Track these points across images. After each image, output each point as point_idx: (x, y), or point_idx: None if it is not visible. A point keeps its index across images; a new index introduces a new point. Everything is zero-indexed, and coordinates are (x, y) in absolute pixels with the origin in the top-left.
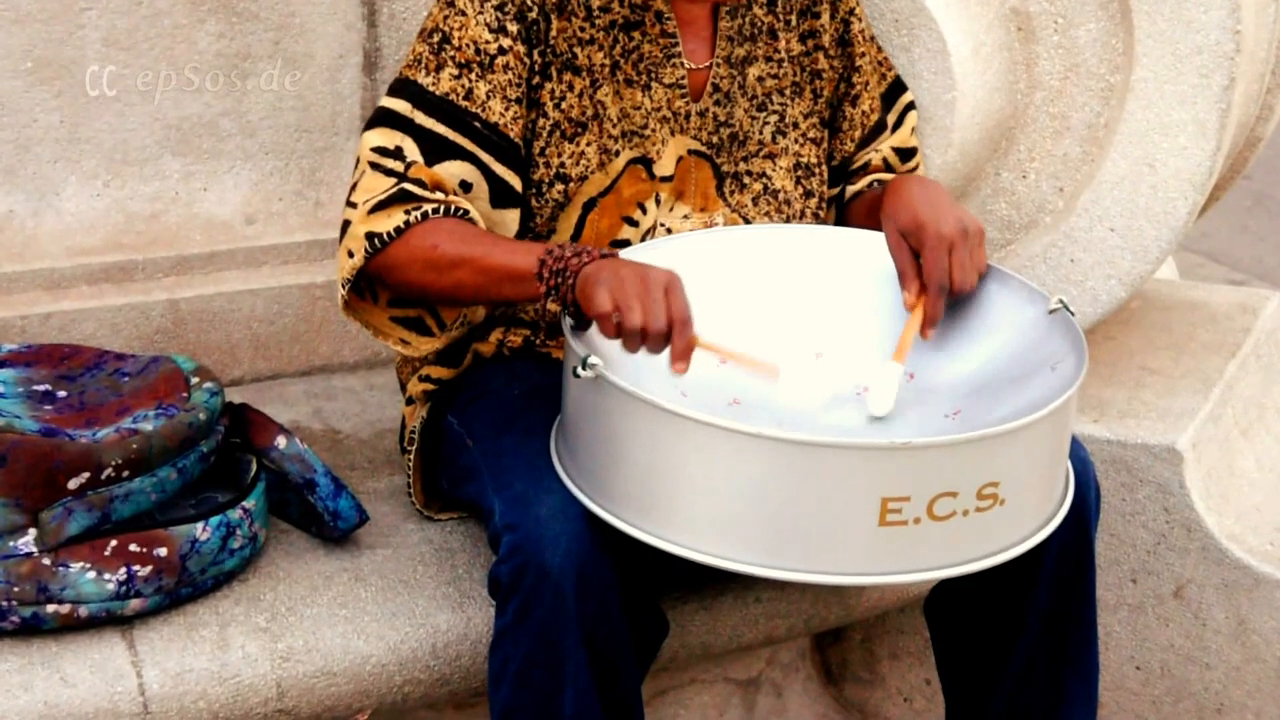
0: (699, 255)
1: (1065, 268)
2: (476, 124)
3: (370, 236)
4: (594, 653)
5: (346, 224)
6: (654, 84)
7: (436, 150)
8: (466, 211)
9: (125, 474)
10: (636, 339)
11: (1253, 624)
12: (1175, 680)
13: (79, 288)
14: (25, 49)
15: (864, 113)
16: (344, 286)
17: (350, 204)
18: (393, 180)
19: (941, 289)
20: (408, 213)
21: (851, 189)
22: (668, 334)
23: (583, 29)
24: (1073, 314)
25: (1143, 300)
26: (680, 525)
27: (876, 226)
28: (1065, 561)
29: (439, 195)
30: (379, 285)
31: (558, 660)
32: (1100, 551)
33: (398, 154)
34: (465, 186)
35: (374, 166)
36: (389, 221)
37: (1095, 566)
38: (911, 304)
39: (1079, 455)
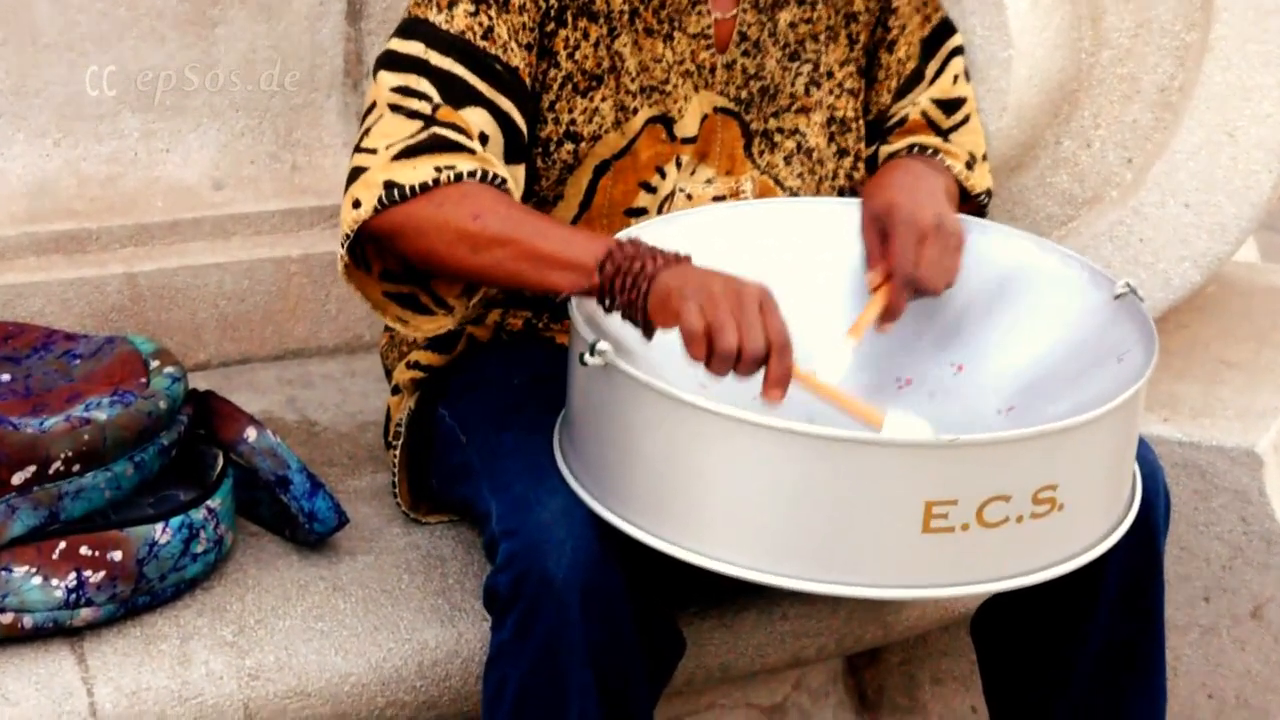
0: (720, 230)
1: (1134, 248)
2: (498, 66)
3: (390, 186)
4: (601, 673)
5: (359, 171)
6: (677, 34)
7: (455, 96)
8: (504, 181)
9: (76, 468)
10: (729, 362)
11: None
12: (1252, 711)
13: (26, 258)
14: None
15: (899, 60)
16: (344, 244)
17: (364, 149)
18: (419, 123)
19: (907, 281)
20: (439, 170)
21: (886, 149)
22: (764, 358)
23: None
24: (1141, 299)
25: (1220, 285)
26: (699, 531)
27: None
28: (1130, 577)
29: (476, 147)
30: (373, 251)
31: (561, 680)
32: (1169, 566)
33: (421, 95)
34: (482, 139)
35: (394, 109)
36: (415, 174)
37: (1164, 583)
38: (876, 285)
39: (1147, 458)
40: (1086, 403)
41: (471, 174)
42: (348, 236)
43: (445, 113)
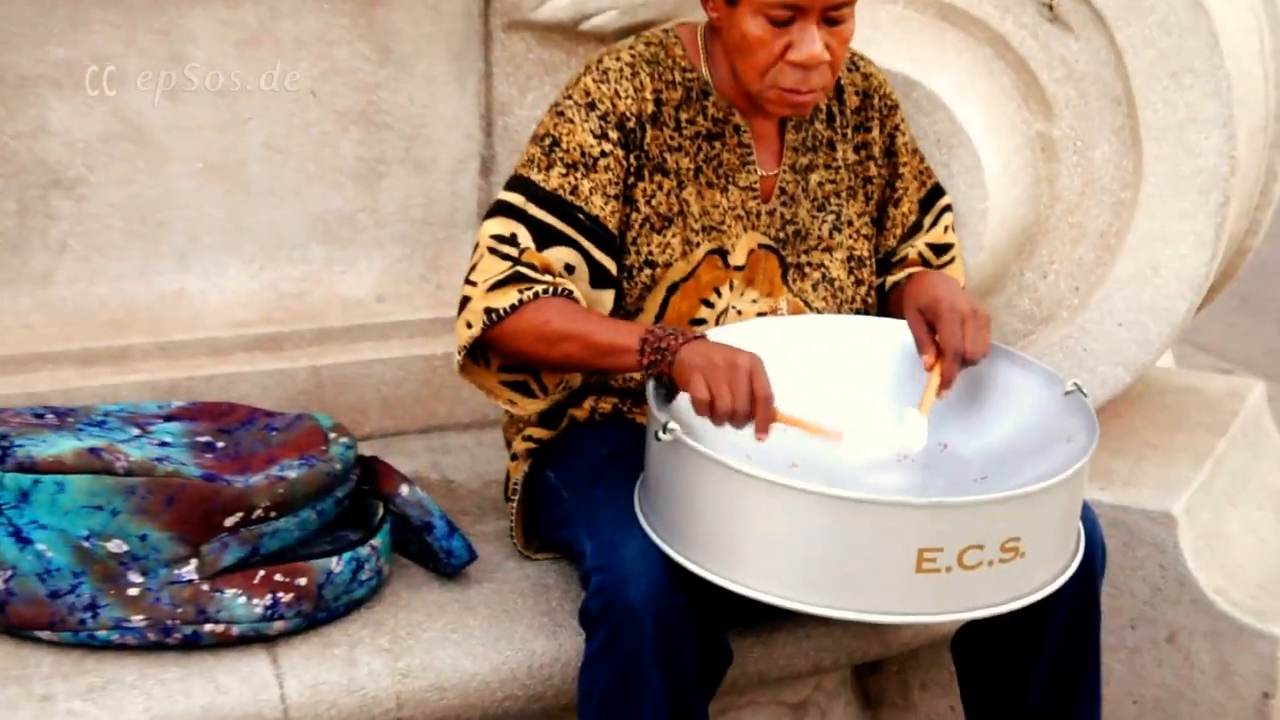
0: (762, 339)
1: (1079, 356)
2: (580, 216)
3: (488, 311)
4: (669, 677)
5: (466, 300)
6: (731, 186)
7: (546, 238)
8: (571, 291)
9: (272, 514)
10: (725, 419)
11: (1235, 667)
12: (1167, 715)
13: (236, 354)
14: (198, 153)
15: (904, 214)
16: (460, 353)
17: (470, 282)
18: (508, 264)
19: (957, 354)
20: (521, 292)
21: (891, 279)
22: (751, 412)
23: (672, 138)
24: (1085, 395)
25: (1145, 385)
26: (744, 569)
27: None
28: (1075, 608)
29: (548, 277)
30: (492, 352)
31: (638, 683)
32: (1104, 601)
33: (512, 240)
34: (569, 269)
35: (491, 251)
36: (504, 299)
37: (1100, 613)
38: (930, 365)
39: (1088, 517)
40: (1043, 474)
41: (545, 291)
42: (463, 349)
43: (529, 255)
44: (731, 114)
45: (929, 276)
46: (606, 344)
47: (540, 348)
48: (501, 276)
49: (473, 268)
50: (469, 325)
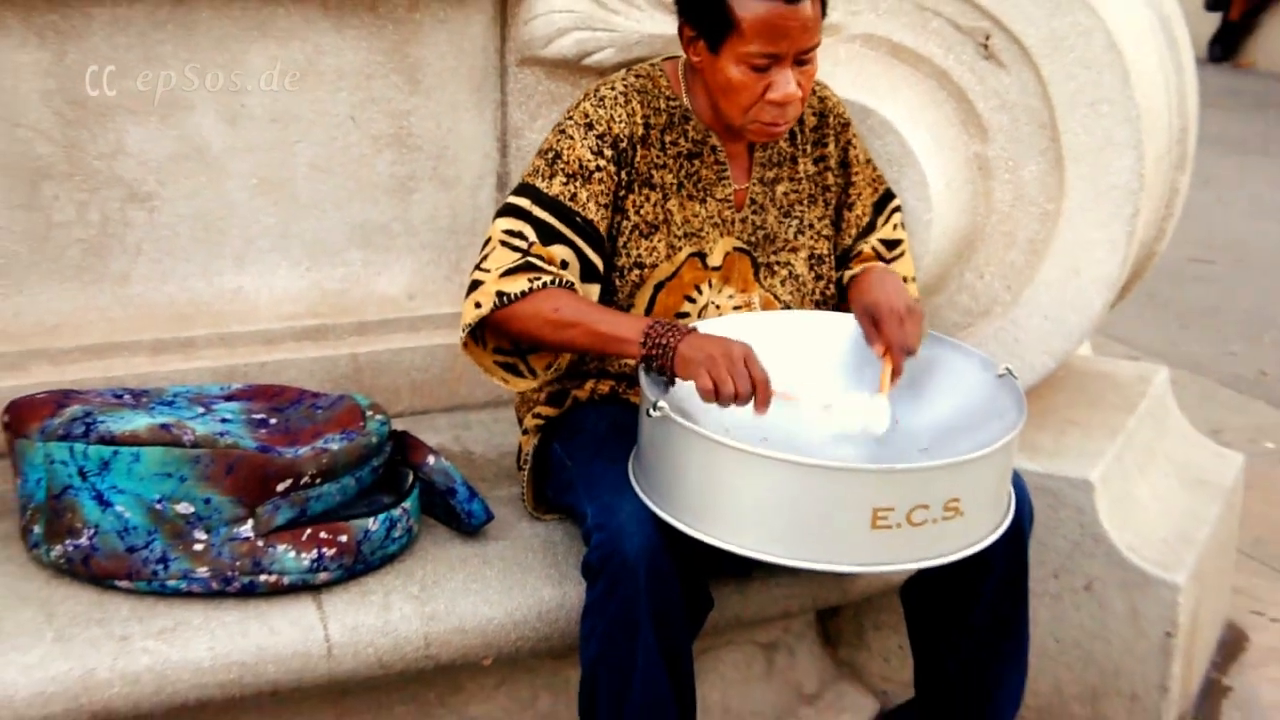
0: (740, 332)
1: (1010, 345)
2: (578, 219)
3: (500, 294)
4: (659, 621)
5: (477, 283)
6: (708, 198)
7: (547, 236)
8: (573, 284)
9: (318, 481)
10: (730, 402)
11: (1142, 611)
12: (1084, 651)
13: (286, 343)
14: (252, 170)
15: (857, 215)
16: (465, 330)
17: (481, 269)
18: (519, 254)
19: (901, 348)
20: (532, 280)
21: (848, 274)
22: (753, 393)
23: (658, 157)
24: (1015, 378)
25: (1067, 370)
26: (724, 527)
27: None
28: (1007, 561)
29: (554, 268)
30: (491, 334)
31: (632, 626)
32: (1031, 554)
33: (520, 236)
34: (563, 265)
35: (503, 244)
36: (516, 285)
37: (1028, 565)
38: (882, 354)
39: (1018, 483)
40: (979, 444)
41: (553, 281)
42: (469, 326)
43: (536, 249)
44: (709, 136)
45: (870, 278)
46: (610, 334)
47: (547, 330)
48: (513, 265)
49: (484, 257)
50: (478, 305)
